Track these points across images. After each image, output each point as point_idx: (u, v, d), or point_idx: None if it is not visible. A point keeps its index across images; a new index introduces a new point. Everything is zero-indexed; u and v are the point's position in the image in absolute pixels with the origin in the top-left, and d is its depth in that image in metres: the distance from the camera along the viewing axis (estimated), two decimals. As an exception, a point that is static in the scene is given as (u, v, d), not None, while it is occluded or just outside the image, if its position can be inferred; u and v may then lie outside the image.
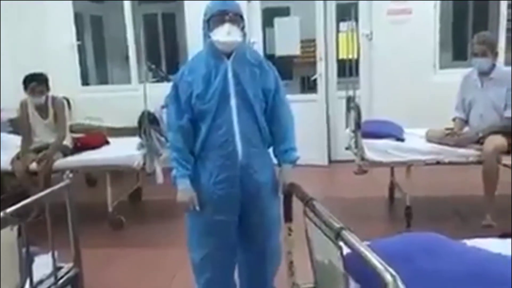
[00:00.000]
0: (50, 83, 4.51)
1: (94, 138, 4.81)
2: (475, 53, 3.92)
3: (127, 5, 6.29)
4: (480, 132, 3.89)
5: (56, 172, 4.20)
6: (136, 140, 4.32)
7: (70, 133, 4.65)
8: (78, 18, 6.88)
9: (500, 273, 1.57)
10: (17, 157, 4.37)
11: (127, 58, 6.51)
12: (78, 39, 6.66)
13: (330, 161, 6.07)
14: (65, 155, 4.36)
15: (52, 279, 2.42)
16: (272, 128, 2.42)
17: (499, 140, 3.76)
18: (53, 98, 4.52)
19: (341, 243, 1.51)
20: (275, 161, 2.50)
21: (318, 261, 1.86)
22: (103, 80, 8.98)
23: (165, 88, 2.41)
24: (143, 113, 4.25)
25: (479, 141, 3.85)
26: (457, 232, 3.03)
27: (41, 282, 2.37)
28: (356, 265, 1.49)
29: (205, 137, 2.32)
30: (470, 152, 3.84)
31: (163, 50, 9.42)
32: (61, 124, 4.47)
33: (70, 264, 2.63)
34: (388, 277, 1.23)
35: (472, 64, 4.03)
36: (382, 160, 3.89)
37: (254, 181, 2.36)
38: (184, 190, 2.35)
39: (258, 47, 5.94)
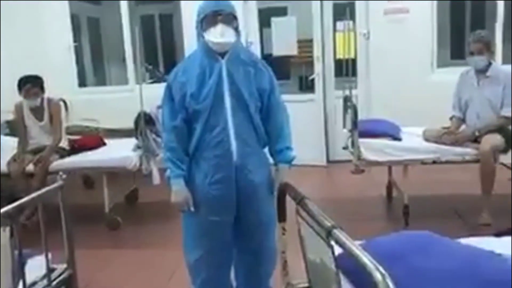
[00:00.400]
0: (47, 85, 4.50)
1: (90, 139, 4.82)
2: (471, 51, 3.91)
3: (124, 6, 6.29)
4: (476, 130, 3.88)
5: (52, 174, 4.19)
6: (132, 141, 4.32)
7: (66, 135, 4.65)
8: (75, 20, 6.89)
9: (491, 270, 1.56)
10: (14, 159, 4.36)
11: (124, 59, 6.51)
12: (75, 41, 6.67)
13: (328, 161, 6.06)
14: (62, 156, 4.36)
15: (45, 281, 2.40)
16: (267, 127, 2.41)
17: (496, 139, 3.76)
18: (49, 100, 4.50)
19: (332, 242, 1.50)
20: (271, 160, 2.49)
21: (311, 260, 1.85)
22: (100, 81, 8.99)
23: (162, 88, 2.40)
24: (139, 114, 4.25)
25: (476, 140, 3.85)
26: (455, 230, 3.05)
27: (34, 284, 2.34)
28: (347, 264, 1.49)
29: (200, 137, 2.31)
30: (467, 151, 3.84)
31: (160, 51, 9.43)
32: (57, 126, 4.46)
33: (64, 266, 2.60)
34: (378, 276, 1.22)
35: (468, 62, 4.02)
36: (378, 159, 3.88)
37: (249, 181, 2.34)
38: (178, 191, 2.33)
39: (255, 48, 5.95)
